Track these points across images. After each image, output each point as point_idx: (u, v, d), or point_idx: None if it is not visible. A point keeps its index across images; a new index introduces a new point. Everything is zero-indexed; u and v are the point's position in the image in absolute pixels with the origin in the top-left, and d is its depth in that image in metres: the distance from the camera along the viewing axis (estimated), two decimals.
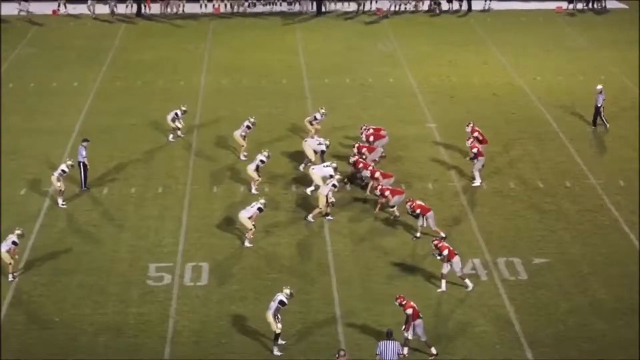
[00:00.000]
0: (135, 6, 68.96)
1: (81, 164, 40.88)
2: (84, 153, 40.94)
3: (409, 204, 36.29)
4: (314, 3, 68.59)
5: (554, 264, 34.71)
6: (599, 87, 46.39)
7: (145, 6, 68.85)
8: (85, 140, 41.88)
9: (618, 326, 30.86)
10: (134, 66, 57.23)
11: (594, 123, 46.51)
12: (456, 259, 32.56)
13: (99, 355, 29.27)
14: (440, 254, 32.48)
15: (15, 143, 45.12)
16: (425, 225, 36.27)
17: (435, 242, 32.95)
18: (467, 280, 32.68)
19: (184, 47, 61.22)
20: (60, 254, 35.89)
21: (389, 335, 27.75)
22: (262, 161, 39.44)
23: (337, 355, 27.62)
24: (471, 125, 42.36)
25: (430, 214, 36.19)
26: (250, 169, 39.31)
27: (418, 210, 36.08)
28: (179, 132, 45.57)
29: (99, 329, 31.13)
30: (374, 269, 34.51)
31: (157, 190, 40.80)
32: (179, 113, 45.24)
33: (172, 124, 45.40)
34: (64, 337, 30.77)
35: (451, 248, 32.51)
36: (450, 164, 42.54)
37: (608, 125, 46.18)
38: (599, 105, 46.11)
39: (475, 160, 40.45)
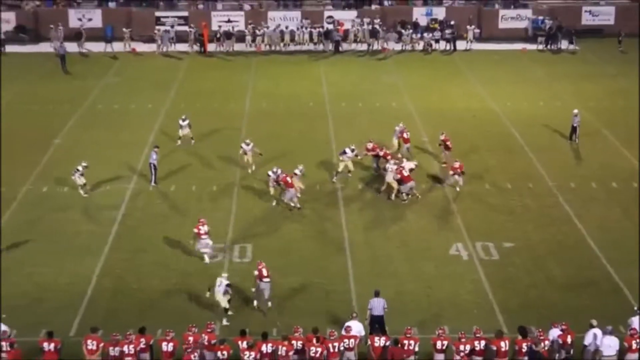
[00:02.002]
0: (196, 46, 69.03)
1: (152, 165, 40.99)
2: (154, 157, 41.03)
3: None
4: (334, 44, 68.53)
5: (519, 247, 34.89)
6: (575, 111, 46.37)
7: (204, 45, 68.85)
8: (156, 146, 42.06)
9: (568, 297, 31.03)
10: (195, 92, 57.22)
11: (570, 138, 46.53)
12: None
13: (168, 316, 29.35)
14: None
15: (103, 152, 45.16)
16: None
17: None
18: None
19: (233, 77, 61.19)
20: (137, 237, 36.05)
21: (376, 294, 28.58)
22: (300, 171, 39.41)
23: (350, 317, 27.76)
24: (444, 134, 43.16)
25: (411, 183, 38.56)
26: (296, 180, 38.82)
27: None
28: (178, 141, 46.31)
29: (167, 296, 31.31)
30: (381, 250, 34.69)
31: (212, 188, 40.83)
32: (181, 122, 46.21)
33: (180, 132, 46.24)
34: (140, 301, 30.95)
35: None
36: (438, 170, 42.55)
37: (577, 141, 46.14)
38: (575, 125, 45.99)
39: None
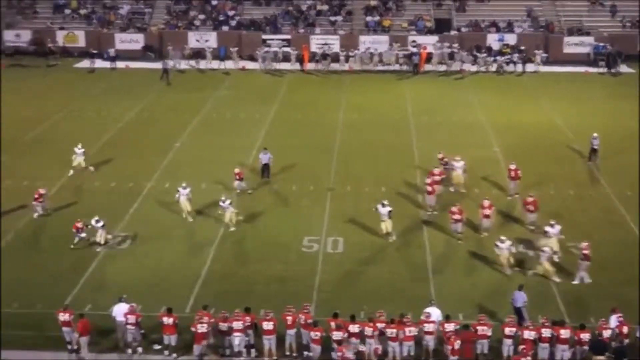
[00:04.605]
0: (297, 64, 69.32)
1: (263, 164, 41.45)
2: (264, 157, 41.47)
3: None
4: (415, 65, 68.24)
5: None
6: (595, 134, 44.39)
7: (303, 64, 69.08)
8: (264, 149, 42.25)
9: (626, 292, 30.12)
10: (296, 105, 57.38)
11: (589, 159, 44.25)
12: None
13: (269, 300, 29.32)
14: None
15: (217, 155, 45.48)
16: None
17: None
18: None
19: (329, 93, 61.20)
20: (244, 228, 36.17)
21: (520, 288, 28.21)
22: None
23: (429, 303, 27.51)
24: (514, 164, 39.84)
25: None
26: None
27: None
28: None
29: (269, 281, 31.36)
30: (458, 245, 34.29)
31: (310, 187, 40.83)
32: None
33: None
34: (244, 285, 31.12)
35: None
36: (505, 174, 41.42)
37: (598, 162, 43.97)
38: (595, 147, 44.03)
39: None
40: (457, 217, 34.48)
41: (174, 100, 58.43)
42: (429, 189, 37.53)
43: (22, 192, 39.44)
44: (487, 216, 35.15)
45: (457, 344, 25.51)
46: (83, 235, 34.00)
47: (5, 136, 48.58)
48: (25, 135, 49.20)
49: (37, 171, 42.48)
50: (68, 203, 38.72)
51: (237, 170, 39.71)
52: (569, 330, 25.99)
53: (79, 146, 42.65)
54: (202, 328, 26.25)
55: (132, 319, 26.58)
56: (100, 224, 33.97)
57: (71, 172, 42.17)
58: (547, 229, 33.03)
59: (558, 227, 32.90)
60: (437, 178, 38.70)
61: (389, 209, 34.48)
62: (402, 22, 74.76)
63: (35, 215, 36.89)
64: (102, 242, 34.03)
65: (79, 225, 34.06)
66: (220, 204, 35.73)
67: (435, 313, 27.03)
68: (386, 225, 34.53)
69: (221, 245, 34.50)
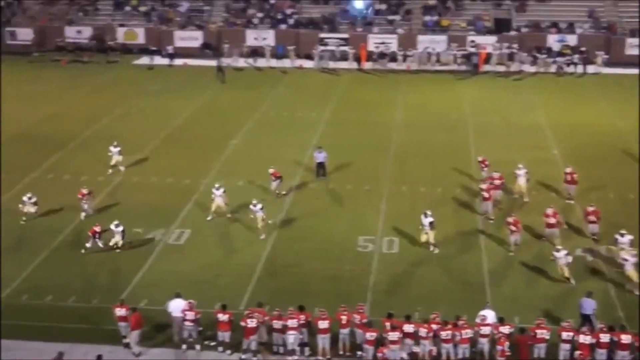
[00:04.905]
0: (354, 63, 69.31)
1: (318, 163, 41.56)
2: (320, 156, 41.59)
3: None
4: (473, 65, 67.86)
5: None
6: None
7: (360, 63, 69.04)
8: (319, 147, 42.29)
9: None
10: (352, 104, 57.34)
11: None
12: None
13: (323, 298, 29.31)
14: None
15: (275, 152, 45.61)
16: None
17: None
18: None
19: (386, 92, 61.05)
20: (300, 226, 36.28)
21: (588, 295, 27.77)
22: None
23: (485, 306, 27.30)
24: (570, 168, 39.34)
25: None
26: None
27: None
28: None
29: (323, 280, 31.37)
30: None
31: (365, 187, 40.74)
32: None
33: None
34: (299, 283, 31.17)
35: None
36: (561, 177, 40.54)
37: None
38: None
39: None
40: (513, 228, 33.51)
41: (231, 98, 58.75)
42: (485, 195, 36.83)
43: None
44: (551, 225, 34.25)
45: (506, 346, 25.31)
46: (99, 241, 33.32)
47: (64, 132, 49.29)
48: (84, 132, 49.82)
49: (95, 167, 42.99)
50: (125, 199, 39.19)
51: (271, 171, 39.41)
52: (630, 335, 25.60)
53: (115, 144, 42.91)
54: (251, 323, 26.34)
55: (191, 315, 26.76)
56: (120, 228, 33.39)
57: (110, 171, 42.37)
58: (617, 237, 32.47)
59: (628, 237, 32.27)
60: (497, 182, 38.14)
61: (430, 219, 33.53)
62: (461, 22, 74.30)
63: (83, 215, 36.80)
64: (120, 245, 33.54)
65: (97, 229, 33.47)
66: (251, 207, 35.20)
67: (490, 315, 26.81)
68: (428, 236, 33.75)
69: (276, 243, 34.58)
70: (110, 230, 33.55)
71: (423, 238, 33.74)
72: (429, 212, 33.86)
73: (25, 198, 36.43)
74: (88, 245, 33.34)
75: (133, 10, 78.50)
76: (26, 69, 69.38)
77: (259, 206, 34.91)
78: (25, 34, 76.14)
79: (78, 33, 75.76)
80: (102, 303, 29.20)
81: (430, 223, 33.46)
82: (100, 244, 33.31)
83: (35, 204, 36.45)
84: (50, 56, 72.90)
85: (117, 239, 33.48)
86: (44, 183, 41.12)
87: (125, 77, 66.34)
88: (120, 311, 26.88)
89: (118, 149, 42.61)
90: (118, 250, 33.37)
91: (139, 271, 31.94)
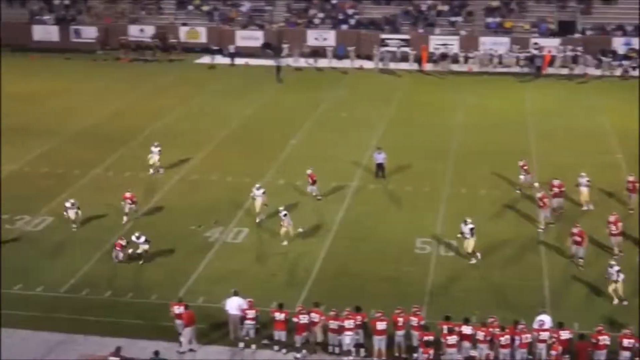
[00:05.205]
0: (415, 65, 69.16)
1: (377, 164, 41.46)
2: (379, 157, 41.41)
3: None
4: (536, 68, 67.22)
5: None
6: None
7: (422, 64, 68.81)
8: (379, 148, 42.21)
9: None
10: (413, 105, 57.21)
11: None
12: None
13: (380, 299, 29.17)
14: None
15: (333, 152, 45.78)
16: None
17: None
18: None
19: (447, 94, 60.75)
20: (358, 227, 36.24)
21: None
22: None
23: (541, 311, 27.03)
24: (633, 176, 38.57)
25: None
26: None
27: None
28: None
29: (380, 281, 31.29)
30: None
31: (424, 189, 40.57)
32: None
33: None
34: (355, 284, 31.11)
35: None
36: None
37: None
38: None
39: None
40: (577, 239, 32.46)
41: (291, 98, 58.93)
42: (540, 203, 35.92)
43: (142, 183, 40.76)
44: (614, 234, 33.33)
45: (560, 351, 25.06)
46: (120, 255, 32.39)
47: (126, 130, 49.90)
48: (146, 130, 50.36)
49: (156, 164, 43.36)
50: (184, 197, 39.54)
51: (309, 172, 39.13)
52: None
53: (155, 144, 42.90)
54: (303, 319, 26.42)
55: (251, 313, 26.88)
56: (142, 239, 32.50)
57: (151, 171, 42.34)
58: None
59: None
60: (556, 190, 37.21)
61: (471, 226, 32.76)
62: (524, 24, 73.60)
63: (125, 219, 36.25)
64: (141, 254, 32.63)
65: (122, 243, 32.59)
66: (280, 214, 34.52)
67: (546, 321, 26.54)
68: (468, 244, 32.96)
69: (334, 243, 34.59)
70: (133, 243, 32.72)
71: (465, 245, 32.91)
72: (469, 220, 33.14)
73: (68, 204, 35.72)
74: (119, 257, 32.56)
75: (196, 9, 79.19)
76: (90, 66, 70.39)
77: (284, 212, 34.29)
78: (89, 32, 77.25)
79: (141, 32, 76.63)
80: (159, 299, 29.48)
81: (471, 230, 32.73)
82: (120, 258, 32.44)
83: (77, 208, 35.57)
84: (113, 54, 73.93)
85: (143, 249, 32.61)
86: (104, 180, 41.69)
87: (187, 76, 66.94)
88: (178, 309, 27.08)
89: (158, 149, 42.36)
90: (140, 262, 32.59)
91: (197, 268, 32.19)
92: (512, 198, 39.11)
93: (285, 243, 34.16)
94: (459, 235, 33.34)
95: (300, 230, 35.21)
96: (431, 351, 25.22)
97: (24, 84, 62.46)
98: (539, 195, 36.27)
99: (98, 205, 37.55)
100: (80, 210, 35.77)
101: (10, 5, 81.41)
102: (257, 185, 37.04)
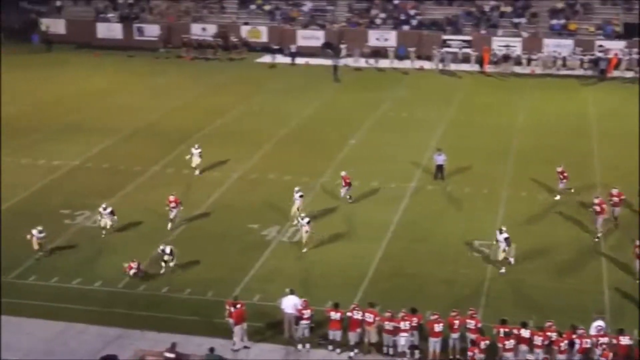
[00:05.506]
0: (476, 66, 68.71)
1: (437, 165, 41.23)
2: (439, 158, 41.16)
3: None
4: (600, 71, 66.32)
5: None
6: None
7: (483, 66, 68.32)
8: (439, 149, 41.95)
9: None
10: (473, 107, 56.82)
11: None
12: None
13: (436, 301, 29.07)
14: None
15: (392, 152, 45.67)
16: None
17: None
18: None
19: (509, 96, 60.27)
20: (416, 228, 36.08)
21: None
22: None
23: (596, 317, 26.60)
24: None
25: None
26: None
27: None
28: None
29: (437, 282, 31.11)
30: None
31: (483, 191, 40.23)
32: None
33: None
34: (411, 285, 30.94)
35: None
36: None
37: None
38: None
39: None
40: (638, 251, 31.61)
41: (350, 98, 58.88)
42: (597, 208, 34.98)
43: (200, 181, 41.01)
44: None
45: (610, 357, 24.71)
46: (131, 272, 31.23)
47: (186, 127, 50.28)
48: (206, 127, 50.69)
49: (214, 163, 43.62)
50: (242, 195, 39.73)
51: (343, 174, 38.73)
52: None
53: (196, 146, 42.59)
54: (357, 315, 26.37)
55: (306, 313, 26.88)
56: (168, 250, 31.32)
57: (197, 172, 42.01)
58: None
59: None
60: (616, 199, 36.11)
61: (505, 235, 32.06)
62: (589, 26, 72.60)
63: (169, 226, 35.59)
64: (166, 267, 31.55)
65: (133, 265, 31.39)
66: (299, 220, 34.02)
67: (602, 327, 26.14)
68: (500, 252, 32.29)
69: (390, 243, 34.45)
70: (158, 254, 31.80)
71: (499, 256, 32.19)
72: (504, 228, 32.49)
73: (100, 209, 34.94)
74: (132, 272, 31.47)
75: (257, 8, 79.58)
76: (152, 64, 71.14)
77: (306, 220, 33.63)
78: (152, 30, 78.08)
79: (203, 30, 77.21)
80: (216, 296, 29.61)
81: (506, 239, 32.02)
82: (131, 272, 31.34)
83: (112, 213, 34.70)
84: (175, 52, 74.64)
85: (170, 262, 31.58)
86: (163, 177, 42.04)
87: (247, 74, 67.29)
88: (232, 307, 27.11)
89: (199, 150, 42.03)
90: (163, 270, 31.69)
91: (253, 267, 32.28)
92: (571, 202, 38.56)
93: (305, 250, 33.54)
94: (494, 243, 32.68)
95: (321, 235, 34.39)
96: (476, 350, 25.05)
97: (87, 81, 63.40)
98: (596, 201, 35.45)
99: (156, 201, 37.82)
100: (116, 216, 34.89)
101: (75, 3, 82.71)
102: (297, 189, 36.73)
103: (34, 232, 32.59)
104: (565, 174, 38.95)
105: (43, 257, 32.64)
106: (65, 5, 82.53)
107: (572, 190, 38.69)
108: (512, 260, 32.36)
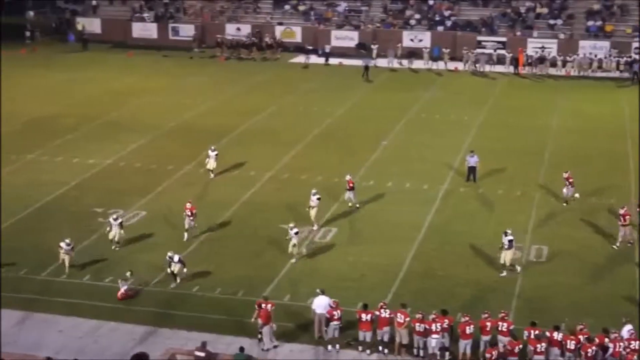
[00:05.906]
0: (511, 67, 68.34)
1: (469, 167, 41.02)
2: (471, 160, 40.95)
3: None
4: (635, 73, 65.76)
5: None
6: None
7: (518, 67, 67.94)
8: (472, 151, 41.76)
9: None
10: (507, 109, 56.55)
11: None
12: None
13: (467, 303, 29.03)
14: None
15: (425, 153, 45.55)
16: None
17: None
18: None
19: (543, 98, 59.95)
20: (447, 230, 35.92)
21: None
22: None
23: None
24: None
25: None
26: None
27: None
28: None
29: (468, 284, 30.97)
30: None
31: (516, 192, 40.01)
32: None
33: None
34: (442, 287, 30.84)
35: None
36: None
37: None
38: None
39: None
40: None
41: (383, 99, 58.81)
42: (622, 219, 34.31)
43: (234, 181, 41.17)
44: None
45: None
46: (125, 286, 29.85)
47: (220, 126, 50.44)
48: (239, 127, 50.83)
49: (246, 162, 43.74)
50: (274, 195, 39.80)
51: (348, 178, 38.22)
52: None
53: (212, 148, 42.21)
54: (384, 313, 26.35)
55: (337, 313, 26.83)
56: (176, 258, 30.58)
57: (211, 175, 41.69)
58: None
59: None
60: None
61: (510, 238, 31.61)
62: (626, 27, 71.96)
63: (185, 236, 34.55)
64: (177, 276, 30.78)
65: (124, 289, 29.85)
66: (289, 229, 32.74)
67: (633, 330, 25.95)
68: (505, 255, 31.79)
69: (422, 245, 34.36)
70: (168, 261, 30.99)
71: (501, 257, 31.79)
72: (509, 231, 31.97)
73: (111, 219, 34.04)
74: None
75: (292, 9, 79.72)
76: (186, 64, 71.47)
77: (295, 230, 32.53)
78: (187, 30, 78.48)
79: (237, 30, 77.47)
80: (246, 296, 29.65)
81: (510, 242, 31.59)
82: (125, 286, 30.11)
83: (120, 225, 33.63)
84: (209, 52, 74.96)
85: (174, 269, 30.77)
86: (196, 176, 42.17)
87: (281, 74, 67.44)
88: (265, 306, 27.04)
89: (215, 152, 41.53)
90: (176, 283, 31.04)
91: (284, 267, 32.29)
92: (605, 205, 38.22)
93: (293, 261, 32.74)
94: (500, 246, 32.11)
95: (304, 251, 33.43)
96: (494, 351, 24.95)
97: (121, 80, 63.85)
98: (621, 212, 34.61)
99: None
100: (123, 230, 33.86)
101: (111, 3, 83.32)
102: (314, 191, 36.11)
103: (62, 244, 31.55)
104: (571, 180, 38.33)
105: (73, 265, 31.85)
106: (101, 5, 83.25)
107: (578, 196, 38.04)
108: (518, 268, 31.96)
